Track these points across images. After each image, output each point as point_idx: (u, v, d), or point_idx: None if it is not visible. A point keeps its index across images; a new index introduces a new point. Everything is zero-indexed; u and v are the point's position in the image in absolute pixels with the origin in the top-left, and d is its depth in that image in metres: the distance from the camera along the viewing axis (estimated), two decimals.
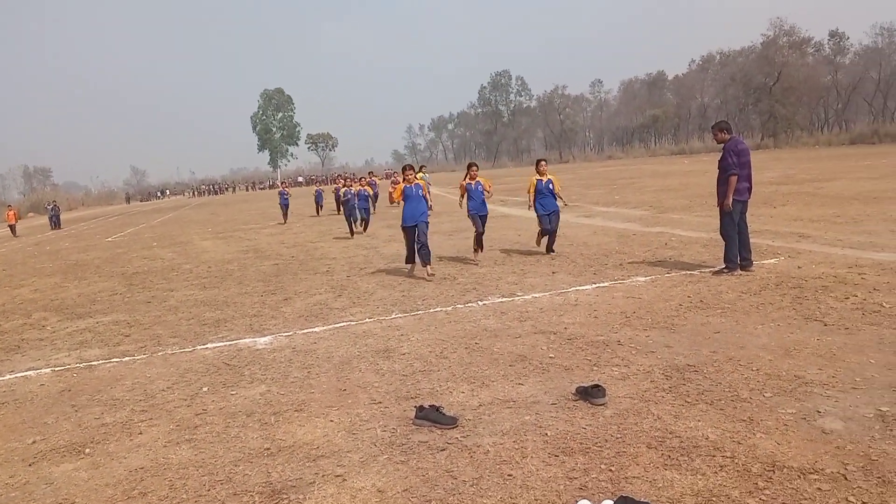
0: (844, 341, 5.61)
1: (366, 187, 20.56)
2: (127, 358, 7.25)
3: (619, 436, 4.17)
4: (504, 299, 8.34)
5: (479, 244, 11.48)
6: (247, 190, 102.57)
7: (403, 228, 10.47)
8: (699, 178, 27.60)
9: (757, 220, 12.61)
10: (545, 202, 11.14)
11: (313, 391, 5.57)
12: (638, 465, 3.78)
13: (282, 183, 29.07)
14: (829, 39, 79.47)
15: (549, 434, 4.29)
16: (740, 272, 8.52)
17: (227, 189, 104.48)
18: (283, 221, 25.32)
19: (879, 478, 3.41)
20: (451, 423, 4.54)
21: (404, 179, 10.51)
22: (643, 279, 8.75)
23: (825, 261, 8.90)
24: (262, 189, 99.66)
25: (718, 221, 8.78)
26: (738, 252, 8.58)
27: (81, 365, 7.13)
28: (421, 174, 22.91)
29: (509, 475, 3.78)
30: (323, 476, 4.01)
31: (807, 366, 5.11)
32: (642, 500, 3.32)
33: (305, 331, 7.68)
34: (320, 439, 4.56)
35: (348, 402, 5.24)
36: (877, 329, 5.86)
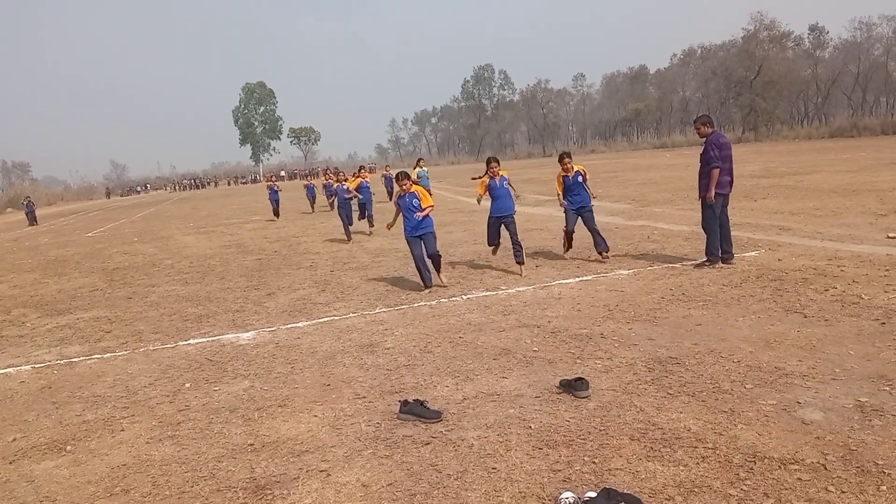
0: (824, 333, 5.68)
1: (367, 177, 18.54)
2: (108, 354, 7.19)
3: (602, 428, 4.20)
4: (488, 293, 8.36)
5: (519, 259, 9.41)
6: (228, 184, 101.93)
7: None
8: (681, 172, 27.76)
9: (738, 213, 12.72)
10: (573, 198, 9.88)
11: (297, 386, 5.55)
12: (621, 456, 3.80)
13: (271, 177, 26.66)
14: (808, 33, 79.97)
15: (532, 427, 4.31)
16: (721, 265, 8.58)
17: (208, 183, 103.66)
18: (274, 218, 23.92)
19: (858, 467, 3.46)
20: (436, 416, 4.54)
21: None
22: (626, 272, 8.80)
23: (805, 253, 8.99)
24: (244, 183, 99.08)
25: (700, 215, 8.84)
26: (719, 245, 8.64)
27: (62, 362, 7.07)
28: (418, 169, 21.84)
29: (493, 468, 3.80)
30: (307, 471, 4.00)
31: (787, 357, 5.16)
32: (625, 491, 3.35)
33: (289, 326, 7.65)
34: (304, 434, 4.55)
35: (332, 396, 5.23)
36: (856, 320, 5.93)
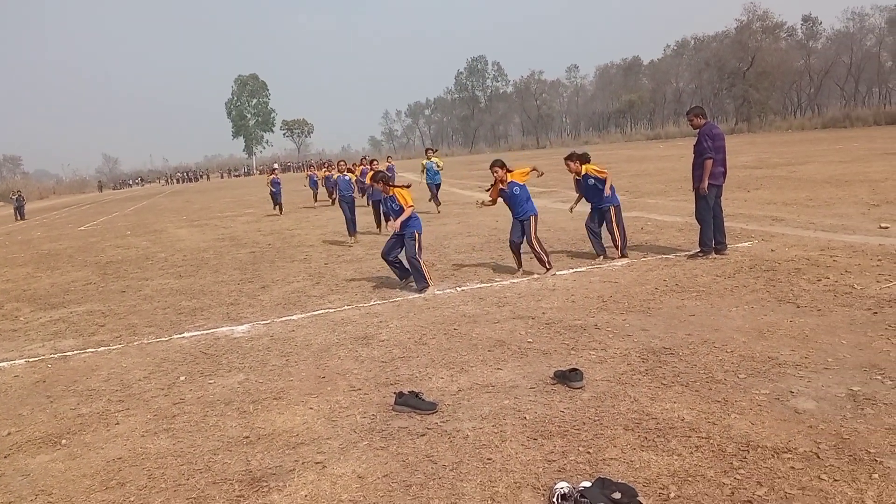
0: (817, 323, 5.71)
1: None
2: (102, 348, 7.17)
3: (596, 418, 4.22)
4: (482, 285, 8.37)
5: (546, 263, 8.70)
6: (221, 177, 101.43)
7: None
8: (674, 163, 27.80)
9: (731, 203, 12.75)
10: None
11: (292, 379, 5.56)
12: (615, 446, 3.82)
13: (273, 170, 24.99)
14: (801, 24, 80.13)
15: (527, 418, 4.32)
16: (715, 256, 8.61)
17: (201, 176, 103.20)
18: (275, 212, 22.54)
19: (851, 456, 3.49)
20: (431, 408, 4.55)
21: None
22: (619, 263, 8.82)
23: (798, 244, 9.02)
24: (237, 176, 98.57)
25: (694, 205, 8.86)
26: (713, 236, 8.67)
27: (56, 355, 7.05)
28: (426, 160, 18.42)
29: (489, 459, 3.81)
30: (303, 463, 4.01)
31: (780, 347, 5.19)
32: (620, 480, 3.37)
33: (283, 319, 7.64)
34: (300, 427, 4.56)
35: (327, 389, 5.23)
36: (848, 310, 5.96)
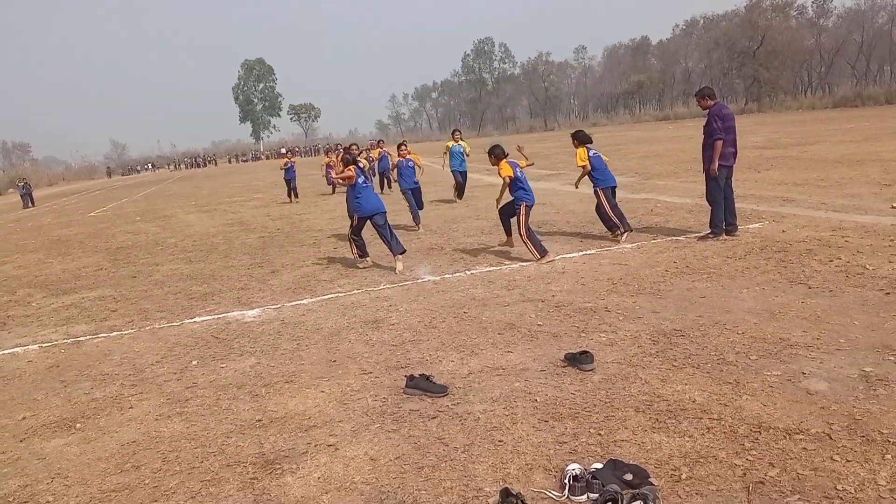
0: (828, 303, 5.68)
1: (413, 156, 13.30)
2: (114, 333, 7.22)
3: (607, 400, 4.22)
4: (491, 268, 8.36)
5: (534, 253, 8.55)
6: (229, 162, 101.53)
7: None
8: (684, 144, 27.63)
9: (741, 184, 12.66)
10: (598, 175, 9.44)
11: (303, 363, 5.58)
12: (626, 428, 3.83)
13: (288, 153, 23.09)
14: (812, 2, 79.18)
15: (538, 400, 4.33)
16: (725, 237, 8.57)
17: (209, 162, 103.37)
18: (288, 200, 21.06)
19: (863, 436, 3.48)
20: (442, 391, 4.57)
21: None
22: (629, 246, 8.79)
23: (809, 224, 8.97)
24: (244, 161, 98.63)
25: (704, 187, 8.81)
26: (723, 217, 8.62)
27: (69, 340, 7.10)
28: (452, 143, 16.09)
29: (500, 441, 3.83)
30: (315, 446, 4.03)
31: (791, 328, 5.17)
32: (631, 462, 3.38)
33: (294, 303, 7.67)
34: (312, 410, 4.59)
35: (339, 372, 5.26)
36: (860, 291, 5.93)
